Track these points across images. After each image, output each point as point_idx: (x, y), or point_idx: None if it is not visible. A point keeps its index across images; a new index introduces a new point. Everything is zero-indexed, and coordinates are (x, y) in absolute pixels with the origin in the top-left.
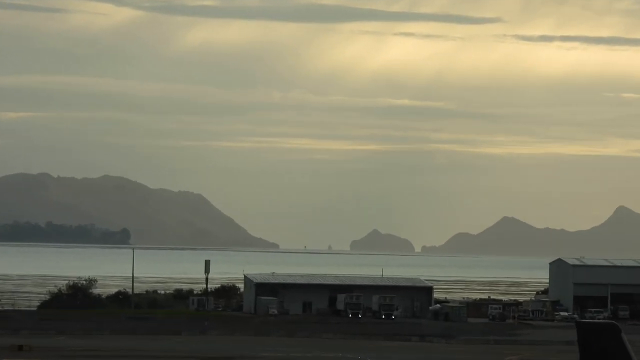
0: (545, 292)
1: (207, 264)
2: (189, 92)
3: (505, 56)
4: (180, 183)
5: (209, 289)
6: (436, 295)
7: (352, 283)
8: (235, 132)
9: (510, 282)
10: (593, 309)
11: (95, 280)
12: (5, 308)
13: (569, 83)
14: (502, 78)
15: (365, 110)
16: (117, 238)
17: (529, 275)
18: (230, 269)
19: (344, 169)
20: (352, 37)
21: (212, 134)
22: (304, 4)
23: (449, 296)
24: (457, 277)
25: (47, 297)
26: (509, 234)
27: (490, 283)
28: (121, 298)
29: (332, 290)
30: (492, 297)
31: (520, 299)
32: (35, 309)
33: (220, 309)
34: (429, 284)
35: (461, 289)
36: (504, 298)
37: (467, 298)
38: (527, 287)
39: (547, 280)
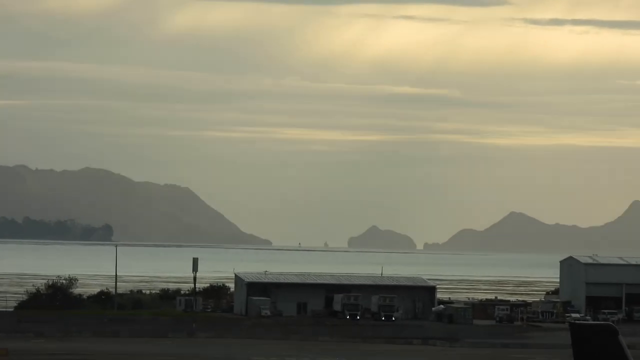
0: (555, 292)
1: (195, 262)
2: (176, 78)
3: (513, 41)
4: (167, 176)
5: (197, 289)
6: (439, 295)
7: (349, 282)
8: (225, 121)
9: (518, 281)
10: (607, 310)
11: (76, 280)
12: None
13: (581, 70)
14: (509, 64)
15: (364, 98)
16: (99, 234)
17: (538, 274)
18: (220, 267)
19: (341, 161)
20: (349, 20)
21: (201, 123)
22: None
23: (453, 296)
24: (461, 276)
25: (25, 297)
26: (516, 230)
27: (497, 282)
28: (103, 298)
29: (328, 290)
30: (499, 297)
31: (529, 299)
32: (12, 310)
33: (209, 310)
34: (432, 283)
35: (466, 288)
36: (512, 298)
37: (473, 298)
38: (537, 286)
39: (558, 280)
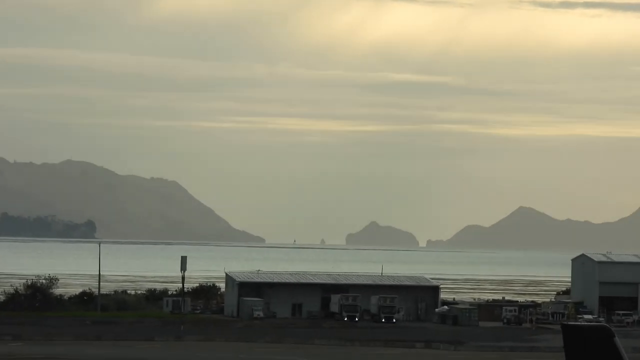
0: (567, 292)
1: (184, 260)
2: (163, 65)
3: (521, 25)
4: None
5: (185, 289)
6: (443, 295)
7: (347, 282)
8: (215, 111)
9: (527, 280)
10: (621, 312)
11: (57, 279)
12: None
13: (594, 55)
14: (517, 50)
15: (362, 86)
16: (81, 231)
17: (548, 273)
18: (210, 266)
19: (338, 153)
20: (347, 3)
21: (189, 113)
22: None
23: (457, 297)
24: (466, 275)
25: (2, 298)
26: (525, 226)
27: (505, 282)
28: (86, 299)
29: (325, 290)
30: (506, 297)
31: (539, 299)
32: None
33: (198, 312)
34: (435, 282)
35: (472, 288)
36: (520, 299)
37: (479, 299)
38: (547, 286)
39: (569, 279)
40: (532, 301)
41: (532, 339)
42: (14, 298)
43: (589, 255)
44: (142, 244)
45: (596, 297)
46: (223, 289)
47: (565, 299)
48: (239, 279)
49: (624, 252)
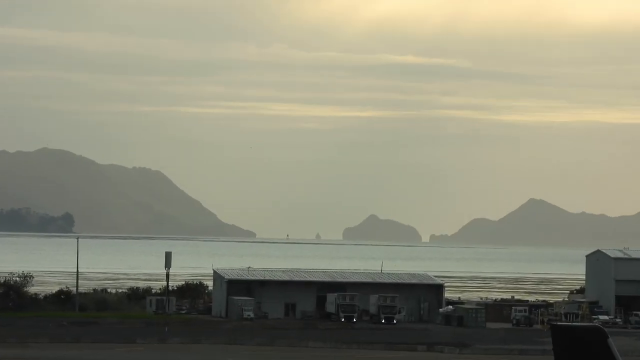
0: (581, 291)
1: (168, 256)
2: (147, 46)
3: (532, 2)
4: (136, 158)
5: (170, 288)
6: (448, 294)
7: (345, 280)
8: (203, 95)
9: (538, 278)
10: (639, 312)
11: (32, 277)
12: None
13: (610, 36)
14: (528, 29)
15: (360, 69)
16: (58, 225)
17: (560, 270)
18: (197, 262)
19: (335, 141)
20: None
21: (175, 97)
22: None
23: (463, 296)
24: (473, 273)
25: None
26: (536, 220)
27: (514, 280)
28: (63, 298)
29: (320, 289)
30: (516, 297)
31: (551, 299)
32: None
33: (184, 312)
34: (439, 280)
35: (478, 287)
36: (531, 298)
37: (486, 298)
38: (559, 284)
39: (583, 277)
40: (544, 301)
41: (544, 342)
42: None
43: (604, 251)
44: (124, 238)
45: (612, 296)
46: (211, 288)
47: (579, 298)
48: (227, 277)
49: None
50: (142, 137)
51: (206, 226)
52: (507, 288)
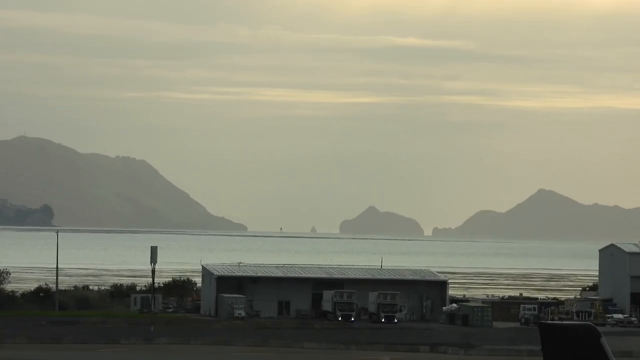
0: (593, 287)
1: (154, 251)
2: (132, 28)
3: None
4: (119, 146)
5: (156, 284)
6: (452, 292)
7: (342, 276)
8: (190, 80)
9: (547, 274)
10: None
11: (8, 273)
12: None
13: (624, 17)
14: (536, 9)
15: (359, 51)
16: (37, 217)
17: (572, 265)
18: (184, 257)
19: (332, 129)
20: None
21: (161, 82)
22: None
23: (468, 293)
24: (478, 268)
25: None
26: (546, 212)
27: (522, 276)
28: (42, 296)
29: (316, 286)
30: (524, 294)
31: (562, 296)
32: None
33: (170, 310)
34: (443, 277)
35: (484, 283)
36: (540, 296)
37: (492, 296)
38: (570, 281)
39: (596, 273)
40: (554, 298)
41: None
42: None
43: (618, 245)
44: (107, 232)
45: (627, 293)
46: (199, 285)
47: (591, 295)
48: (217, 273)
49: None
50: (126, 124)
51: (194, 219)
52: (514, 285)
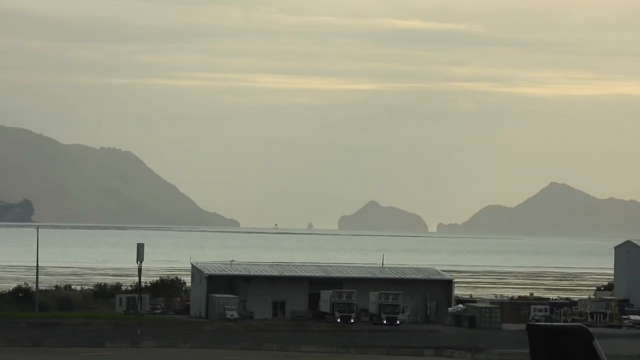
0: (609, 287)
1: (141, 248)
2: (115, 10)
3: None
4: (103, 137)
5: (142, 284)
6: (458, 291)
7: (341, 275)
8: (178, 65)
9: (560, 273)
10: None
11: None
12: None
13: None
14: None
15: (359, 35)
16: (16, 213)
17: (586, 263)
18: (173, 255)
19: (330, 118)
20: None
21: (147, 68)
22: None
23: (475, 293)
24: (486, 267)
25: None
26: (558, 207)
27: (533, 275)
28: (21, 296)
29: (313, 285)
30: (535, 294)
31: (575, 296)
32: None
33: (158, 312)
34: (448, 276)
35: (492, 282)
36: (552, 296)
37: (501, 296)
38: (584, 280)
39: (612, 271)
40: (567, 298)
41: None
42: None
43: (635, 242)
44: (90, 228)
45: None
46: (189, 284)
47: (606, 295)
48: (208, 272)
49: None
50: (110, 113)
51: (183, 214)
52: (525, 284)
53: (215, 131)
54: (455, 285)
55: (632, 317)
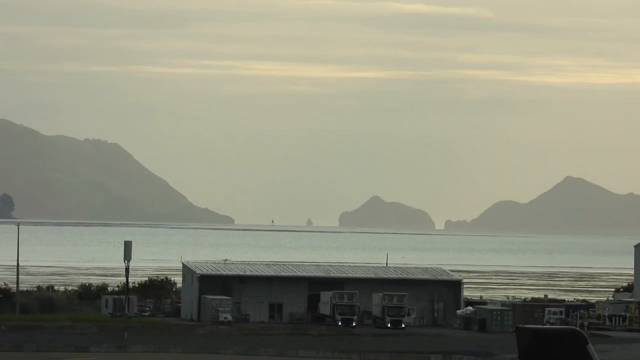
0: (628, 288)
1: (128, 246)
2: None
3: None
4: (88, 128)
5: (130, 284)
6: (467, 293)
7: (342, 275)
8: (169, 52)
9: (576, 273)
10: None
11: None
12: None
13: None
14: None
15: (362, 20)
16: None
17: (604, 263)
18: (163, 254)
19: (330, 108)
20: None
21: (136, 54)
22: None
23: (485, 294)
24: (497, 267)
25: None
26: (574, 203)
27: (548, 275)
28: (1, 298)
29: (312, 286)
30: (549, 296)
31: (592, 298)
32: None
33: (147, 314)
34: (457, 276)
35: (504, 283)
36: (568, 297)
37: (513, 297)
38: (602, 281)
39: (632, 271)
40: (584, 300)
41: None
42: None
43: None
44: (74, 225)
45: None
46: (179, 285)
47: (626, 297)
48: (200, 272)
49: None
50: (96, 103)
51: (174, 210)
52: (538, 285)
53: (207, 122)
54: (465, 286)
55: None
